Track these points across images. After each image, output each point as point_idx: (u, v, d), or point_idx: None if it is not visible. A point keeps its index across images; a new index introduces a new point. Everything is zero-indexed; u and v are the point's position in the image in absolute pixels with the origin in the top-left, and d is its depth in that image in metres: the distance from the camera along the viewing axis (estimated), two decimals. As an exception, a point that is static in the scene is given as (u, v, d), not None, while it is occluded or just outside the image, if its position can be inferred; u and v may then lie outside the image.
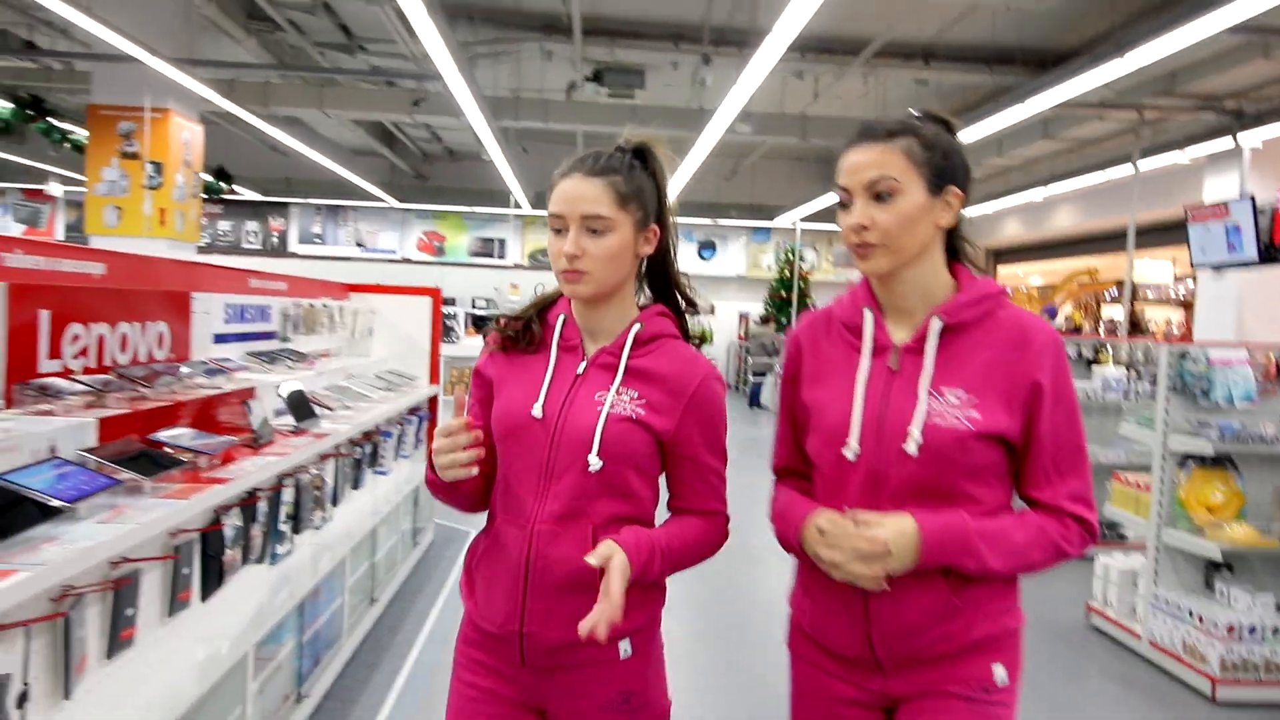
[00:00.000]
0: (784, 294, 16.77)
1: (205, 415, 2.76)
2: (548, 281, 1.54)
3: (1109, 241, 13.04)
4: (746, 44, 7.05)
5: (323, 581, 3.24)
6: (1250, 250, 7.84)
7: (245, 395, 3.06)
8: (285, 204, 17.02)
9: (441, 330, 5.96)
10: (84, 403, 2.30)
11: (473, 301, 14.20)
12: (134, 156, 7.79)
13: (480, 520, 1.59)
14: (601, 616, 1.30)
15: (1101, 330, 15.24)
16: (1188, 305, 13.15)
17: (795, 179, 15.74)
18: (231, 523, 2.48)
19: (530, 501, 1.45)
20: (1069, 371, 1.41)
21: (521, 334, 1.55)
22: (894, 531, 1.32)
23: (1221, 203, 8.19)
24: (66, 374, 2.39)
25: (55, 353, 2.39)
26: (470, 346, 10.34)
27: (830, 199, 13.64)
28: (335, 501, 3.59)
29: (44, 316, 2.34)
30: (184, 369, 2.89)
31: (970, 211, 1.45)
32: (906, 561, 1.32)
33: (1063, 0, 6.72)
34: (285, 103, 10.26)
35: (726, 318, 17.98)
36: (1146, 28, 5.59)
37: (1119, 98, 8.60)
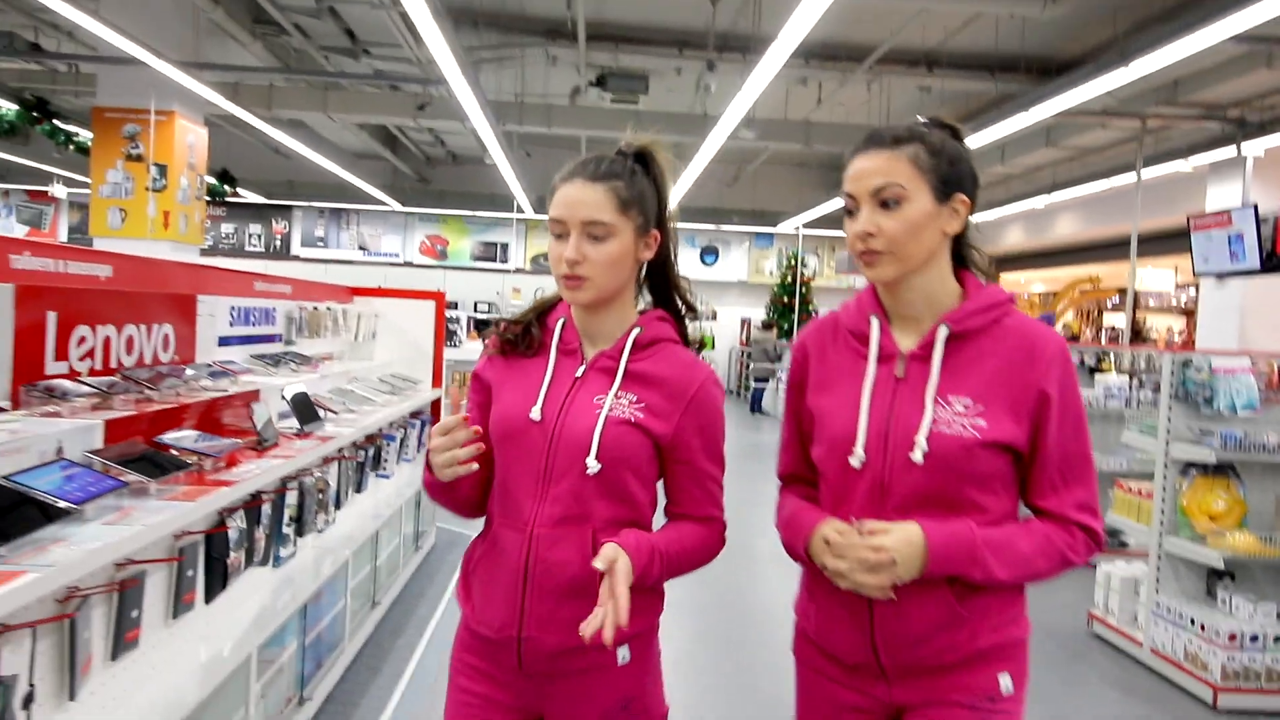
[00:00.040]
0: (786, 300, 16.78)
1: (210, 418, 2.76)
2: (549, 286, 1.54)
3: (1111, 249, 13.05)
4: (751, 50, 7.07)
5: (325, 584, 3.24)
6: (1253, 259, 7.86)
7: (250, 398, 3.06)
8: (288, 207, 17.03)
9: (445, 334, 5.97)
10: (90, 404, 2.31)
11: (474, 305, 14.21)
12: (138, 159, 7.81)
13: (480, 524, 1.59)
14: (607, 619, 1.28)
15: (1103, 338, 15.25)
16: (1189, 313, 13.15)
17: (798, 185, 15.75)
18: (236, 525, 2.48)
19: (529, 505, 1.45)
20: (1076, 381, 1.41)
21: (520, 338, 1.55)
22: (900, 540, 1.31)
23: (1224, 211, 8.21)
24: (73, 376, 2.40)
25: (62, 354, 2.40)
26: (472, 350, 10.34)
27: (833, 205, 13.64)
28: (338, 505, 3.60)
29: (51, 318, 2.35)
30: (189, 371, 2.90)
31: (973, 219, 1.45)
32: (912, 570, 1.31)
33: (1066, 9, 6.72)
34: (289, 106, 10.28)
35: (728, 323, 18.00)
36: (1150, 36, 5.60)
37: (1122, 106, 8.61)
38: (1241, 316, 8.77)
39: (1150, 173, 9.45)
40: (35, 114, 10.07)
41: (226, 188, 13.41)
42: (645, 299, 1.60)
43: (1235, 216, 8.01)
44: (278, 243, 17.29)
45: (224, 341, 3.57)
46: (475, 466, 1.42)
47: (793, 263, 16.94)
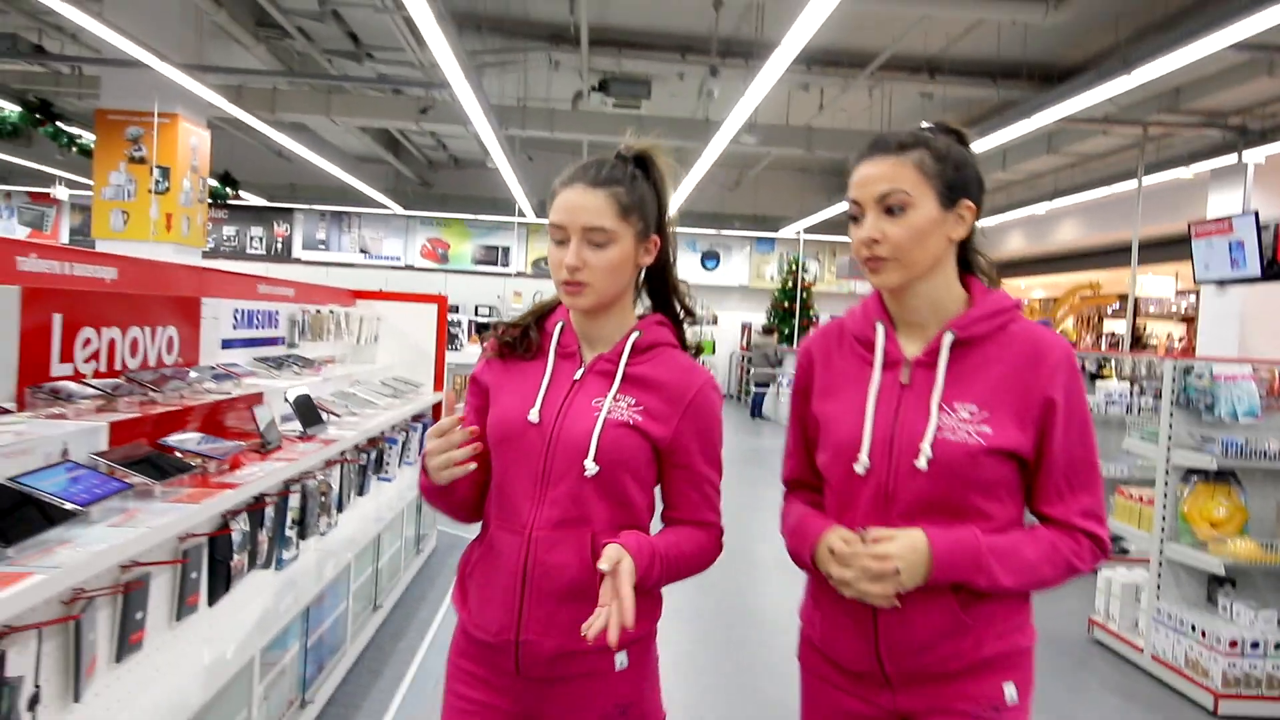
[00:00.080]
0: (787, 305, 16.80)
1: (213, 420, 2.77)
2: (550, 289, 1.54)
3: (1112, 256, 13.06)
4: (753, 56, 7.10)
5: (327, 587, 3.24)
6: (1253, 266, 7.87)
7: (253, 400, 3.06)
8: (290, 210, 17.05)
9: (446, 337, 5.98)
10: (95, 406, 2.31)
11: (475, 309, 14.22)
12: (141, 161, 7.83)
13: (478, 529, 1.58)
14: (611, 619, 1.27)
15: (1103, 344, 15.25)
16: (1190, 320, 13.17)
17: (799, 190, 15.77)
18: (239, 528, 2.49)
19: (527, 508, 1.44)
20: (1082, 388, 1.40)
21: (519, 341, 1.55)
22: (905, 546, 1.30)
23: (1225, 218, 8.22)
24: (78, 377, 2.40)
25: (67, 356, 2.40)
26: (474, 354, 10.35)
27: (834, 210, 13.63)
28: (340, 508, 3.60)
29: (56, 320, 2.35)
30: (193, 374, 2.91)
31: (977, 224, 1.45)
32: (917, 578, 1.31)
33: (1068, 16, 6.74)
34: (292, 109, 10.31)
35: (729, 328, 18.00)
36: (1152, 44, 5.62)
37: (1123, 113, 8.63)
38: (1242, 323, 8.78)
39: (1151, 179, 9.47)
40: (38, 116, 10.09)
41: (228, 190, 13.43)
42: (644, 303, 1.60)
43: (1236, 224, 8.03)
44: (279, 245, 17.30)
45: (227, 344, 3.58)
46: (472, 467, 1.42)
47: (794, 268, 16.96)
